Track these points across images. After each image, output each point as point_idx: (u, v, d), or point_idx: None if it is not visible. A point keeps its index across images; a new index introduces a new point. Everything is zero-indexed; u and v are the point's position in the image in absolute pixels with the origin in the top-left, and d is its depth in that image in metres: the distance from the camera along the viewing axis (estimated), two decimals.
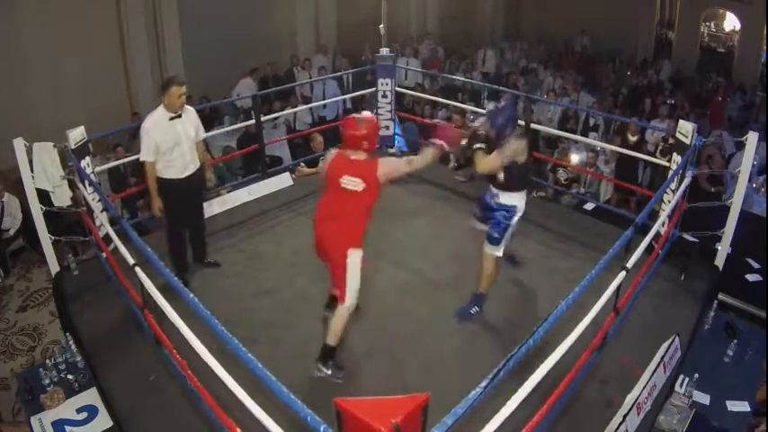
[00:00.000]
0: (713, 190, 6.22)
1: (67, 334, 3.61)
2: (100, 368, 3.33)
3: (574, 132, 7.65)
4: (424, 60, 11.16)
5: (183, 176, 3.87)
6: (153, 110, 3.77)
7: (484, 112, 6.79)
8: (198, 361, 2.29)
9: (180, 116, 3.76)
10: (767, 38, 11.55)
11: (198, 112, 4.04)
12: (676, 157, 4.13)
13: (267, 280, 4.16)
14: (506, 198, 3.50)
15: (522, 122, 5.41)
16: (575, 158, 6.90)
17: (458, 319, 3.67)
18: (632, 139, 6.51)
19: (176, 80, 3.72)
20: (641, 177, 6.81)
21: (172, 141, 3.73)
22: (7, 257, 5.45)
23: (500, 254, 3.58)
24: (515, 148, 3.34)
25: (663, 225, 3.88)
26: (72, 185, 4.18)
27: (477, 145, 3.41)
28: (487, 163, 3.37)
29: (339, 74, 8.96)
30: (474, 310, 3.69)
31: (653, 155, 6.10)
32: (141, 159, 3.75)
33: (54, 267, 4.13)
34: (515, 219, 3.53)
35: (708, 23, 13.34)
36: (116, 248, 3.28)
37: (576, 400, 2.89)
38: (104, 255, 3.83)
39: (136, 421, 2.99)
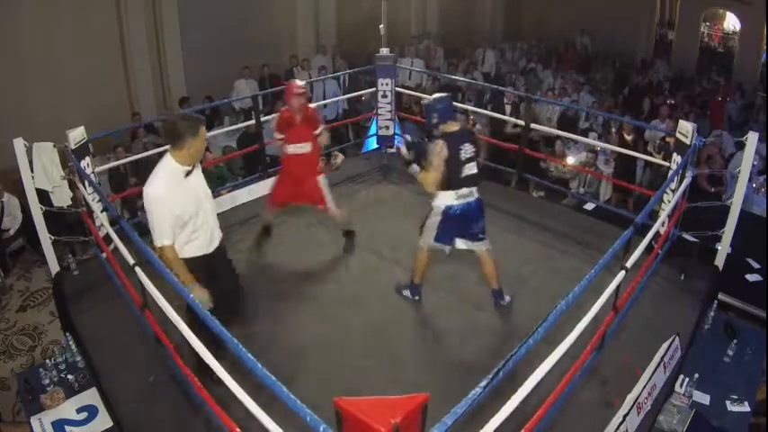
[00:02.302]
0: (713, 190, 6.23)
1: (67, 334, 3.61)
2: (100, 368, 3.33)
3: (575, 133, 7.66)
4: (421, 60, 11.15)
5: (212, 250, 2.96)
6: (156, 167, 2.73)
7: (483, 112, 6.87)
8: (198, 361, 2.29)
9: (193, 168, 2.81)
10: (767, 38, 11.55)
11: (199, 112, 3.98)
12: (676, 157, 4.12)
13: (267, 279, 4.16)
14: (434, 200, 3.51)
15: (521, 121, 5.42)
16: (570, 160, 6.90)
17: (395, 290, 3.94)
18: (627, 138, 6.50)
19: (201, 120, 2.81)
20: (641, 177, 6.81)
21: (194, 205, 2.79)
22: (7, 257, 5.46)
23: (424, 246, 3.62)
24: (434, 152, 3.33)
25: (662, 225, 3.88)
26: (72, 185, 4.17)
27: (411, 168, 3.54)
28: (427, 180, 3.39)
29: (339, 74, 8.97)
30: (406, 292, 3.88)
31: (653, 155, 6.11)
32: (159, 245, 2.71)
33: (54, 267, 4.13)
34: (435, 219, 3.50)
35: (707, 23, 13.35)
36: (116, 248, 3.28)
37: (575, 400, 2.89)
38: (104, 255, 3.83)
39: (136, 421, 2.99)
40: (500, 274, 3.72)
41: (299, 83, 4.11)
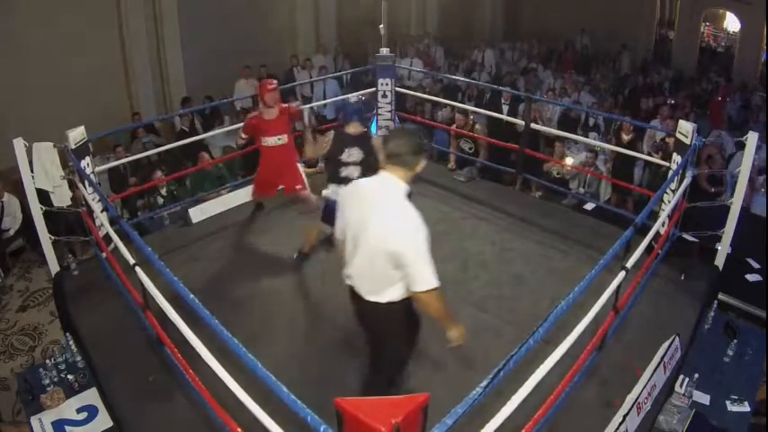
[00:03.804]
0: (713, 190, 6.22)
1: (67, 334, 3.61)
2: (100, 368, 3.32)
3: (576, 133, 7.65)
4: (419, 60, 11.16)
5: None
6: (392, 195, 2.30)
7: (482, 112, 6.87)
8: (198, 361, 2.29)
9: None
10: (767, 38, 11.56)
11: (199, 112, 4.03)
12: (676, 157, 4.12)
13: (267, 279, 4.15)
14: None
15: (521, 121, 5.42)
16: (569, 160, 6.90)
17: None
18: (626, 138, 6.50)
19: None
20: (640, 178, 6.81)
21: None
22: (7, 257, 5.45)
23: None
24: (323, 138, 3.68)
25: (663, 225, 3.88)
26: (72, 185, 4.18)
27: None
28: (306, 150, 3.94)
29: (339, 74, 8.96)
30: (295, 254, 4.23)
31: (651, 154, 6.10)
32: (434, 286, 2.29)
33: (54, 267, 4.13)
34: (320, 203, 3.89)
35: (707, 23, 13.36)
36: (116, 248, 3.28)
37: (575, 400, 2.89)
38: (104, 255, 3.83)
39: (136, 421, 2.98)
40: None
41: (272, 80, 4.48)
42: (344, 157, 3.56)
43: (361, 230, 2.33)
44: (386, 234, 2.24)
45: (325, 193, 3.79)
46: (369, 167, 3.47)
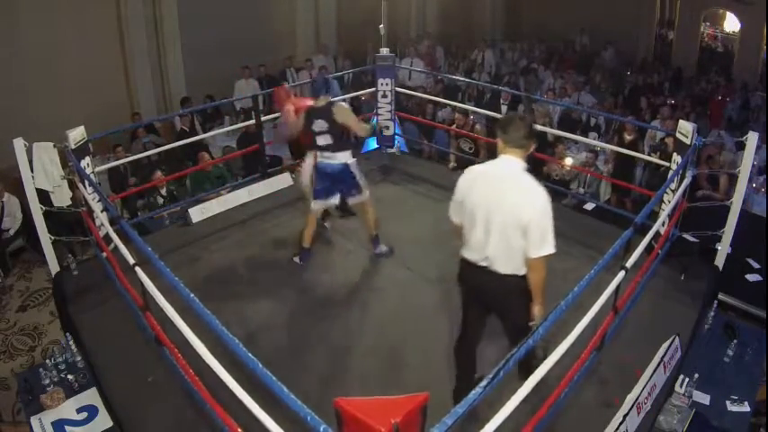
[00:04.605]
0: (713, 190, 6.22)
1: (67, 334, 3.61)
2: (100, 368, 3.33)
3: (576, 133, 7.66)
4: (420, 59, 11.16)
5: None
6: (517, 173, 2.55)
7: (482, 112, 6.86)
8: (198, 361, 2.29)
9: None
10: (767, 38, 11.55)
11: (200, 112, 4.03)
12: (676, 157, 4.12)
13: (267, 279, 4.16)
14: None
15: None
16: (569, 161, 6.90)
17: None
18: (628, 138, 6.51)
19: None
20: (640, 178, 6.81)
21: None
22: (7, 257, 5.45)
23: (312, 209, 4.27)
24: (298, 119, 4.08)
25: (662, 225, 3.88)
26: (72, 185, 4.18)
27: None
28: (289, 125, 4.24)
29: (340, 73, 8.96)
30: (296, 258, 4.34)
31: (650, 154, 6.10)
32: (549, 252, 2.59)
33: (54, 267, 4.13)
34: (308, 172, 4.23)
35: (708, 23, 13.36)
36: (116, 248, 3.28)
37: (575, 400, 2.89)
38: (104, 255, 3.83)
39: (136, 421, 2.99)
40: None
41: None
42: (315, 127, 3.99)
43: (494, 210, 2.54)
44: (519, 207, 2.50)
45: (309, 161, 4.15)
46: (336, 134, 3.99)
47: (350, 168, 4.11)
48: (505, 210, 2.52)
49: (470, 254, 2.68)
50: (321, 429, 1.63)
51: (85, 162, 4.13)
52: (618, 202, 6.52)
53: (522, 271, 2.62)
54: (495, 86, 7.90)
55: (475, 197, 2.61)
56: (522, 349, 2.01)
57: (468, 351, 2.92)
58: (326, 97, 4.06)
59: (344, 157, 4.07)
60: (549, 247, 2.55)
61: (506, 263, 2.61)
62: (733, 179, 5.74)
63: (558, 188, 6.33)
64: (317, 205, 4.21)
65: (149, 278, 2.79)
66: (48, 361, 3.37)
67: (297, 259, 4.32)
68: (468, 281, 2.78)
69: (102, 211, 4.08)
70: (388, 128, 6.07)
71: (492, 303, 2.78)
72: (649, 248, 3.59)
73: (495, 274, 2.63)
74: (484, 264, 2.64)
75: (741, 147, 4.07)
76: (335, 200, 4.22)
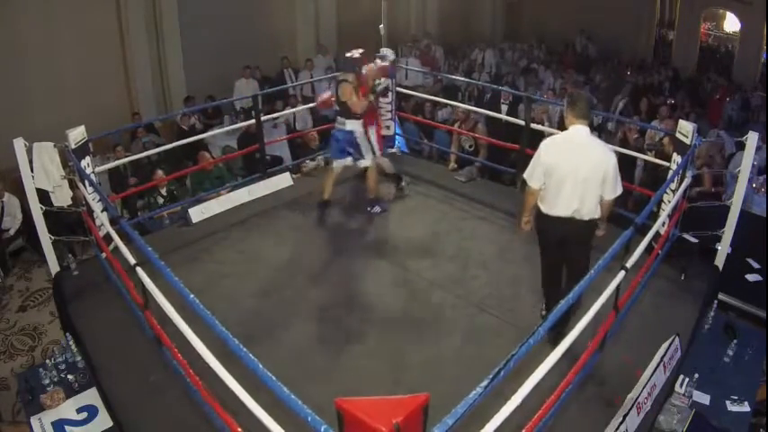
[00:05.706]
0: (713, 190, 6.21)
1: (67, 334, 3.61)
2: (100, 368, 3.33)
3: None
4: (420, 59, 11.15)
5: None
6: (589, 138, 3.20)
7: (482, 112, 6.87)
8: (198, 361, 2.29)
9: None
10: (767, 38, 11.55)
11: (200, 111, 4.03)
12: (676, 157, 4.12)
13: (267, 280, 4.16)
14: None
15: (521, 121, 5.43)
16: None
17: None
18: (632, 138, 6.50)
19: None
20: (641, 178, 6.79)
21: None
22: (7, 257, 5.45)
23: (332, 166, 4.96)
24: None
25: (663, 225, 3.88)
26: (72, 185, 4.18)
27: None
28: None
29: (339, 74, 8.93)
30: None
31: (647, 154, 6.09)
32: (620, 192, 3.27)
33: (54, 267, 4.13)
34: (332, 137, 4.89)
35: (708, 23, 13.35)
36: (116, 248, 3.28)
37: (575, 400, 2.89)
38: (104, 255, 3.83)
39: (136, 421, 2.98)
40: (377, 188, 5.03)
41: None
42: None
43: (577, 168, 3.10)
44: (599, 162, 3.09)
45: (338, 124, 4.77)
46: (343, 108, 4.68)
47: (354, 135, 4.68)
48: (587, 167, 3.08)
49: (557, 210, 3.20)
50: (322, 430, 1.63)
51: (85, 162, 4.13)
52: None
53: (597, 214, 3.22)
54: (495, 86, 7.89)
55: (563, 161, 3.13)
56: (522, 349, 2.02)
57: (556, 283, 3.48)
58: (345, 75, 4.68)
59: (351, 126, 4.67)
60: (620, 189, 3.21)
61: (590, 210, 3.17)
62: (719, 176, 5.80)
63: None
64: (336, 164, 4.85)
65: (150, 278, 2.80)
66: (48, 361, 3.38)
67: (319, 212, 4.93)
68: (555, 233, 3.30)
69: (102, 211, 4.08)
70: (388, 128, 6.07)
71: (570, 248, 3.31)
72: (649, 248, 3.59)
73: (581, 222, 3.19)
74: (571, 215, 3.17)
75: (741, 147, 4.06)
76: (349, 160, 4.81)
